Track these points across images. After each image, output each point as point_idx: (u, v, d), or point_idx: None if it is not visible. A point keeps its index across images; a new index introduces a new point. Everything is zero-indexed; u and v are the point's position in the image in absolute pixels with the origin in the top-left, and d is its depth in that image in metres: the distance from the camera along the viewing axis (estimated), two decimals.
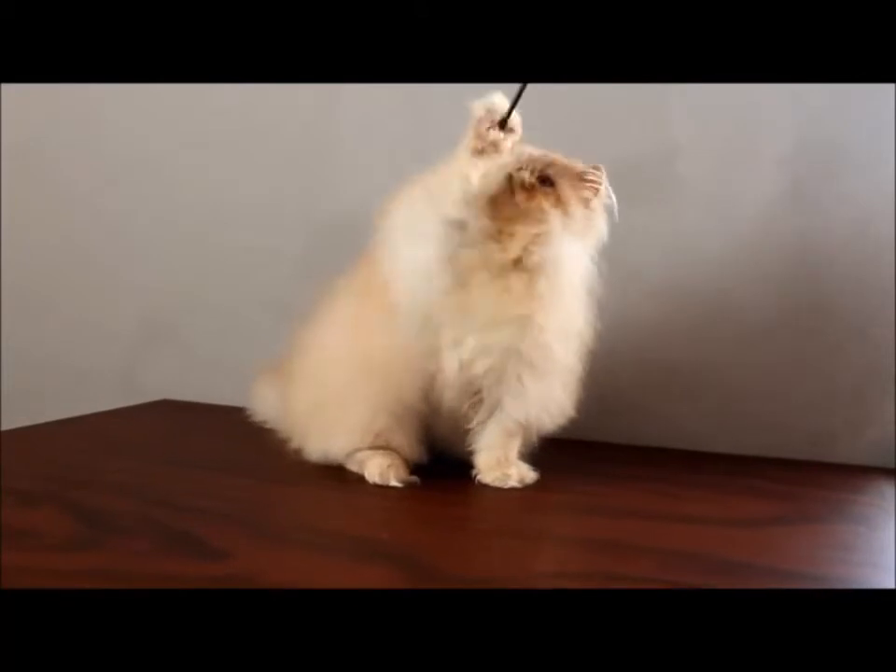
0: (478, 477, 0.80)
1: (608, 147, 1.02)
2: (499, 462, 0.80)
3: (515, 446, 0.82)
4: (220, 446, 0.96)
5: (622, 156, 1.03)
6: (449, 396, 0.79)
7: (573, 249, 0.80)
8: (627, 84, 1.01)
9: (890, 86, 0.96)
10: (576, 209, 0.80)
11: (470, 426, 0.81)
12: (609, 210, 0.83)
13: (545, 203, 0.78)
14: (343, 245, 0.82)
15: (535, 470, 0.82)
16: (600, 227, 0.83)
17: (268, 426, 0.99)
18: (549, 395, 0.81)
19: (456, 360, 0.77)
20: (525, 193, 0.78)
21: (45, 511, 0.69)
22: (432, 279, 0.77)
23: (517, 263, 0.77)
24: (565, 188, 0.80)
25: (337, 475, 0.81)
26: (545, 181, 0.80)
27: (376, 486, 0.78)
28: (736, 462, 0.96)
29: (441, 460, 0.83)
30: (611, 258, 0.94)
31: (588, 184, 0.82)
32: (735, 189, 1.01)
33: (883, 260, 0.97)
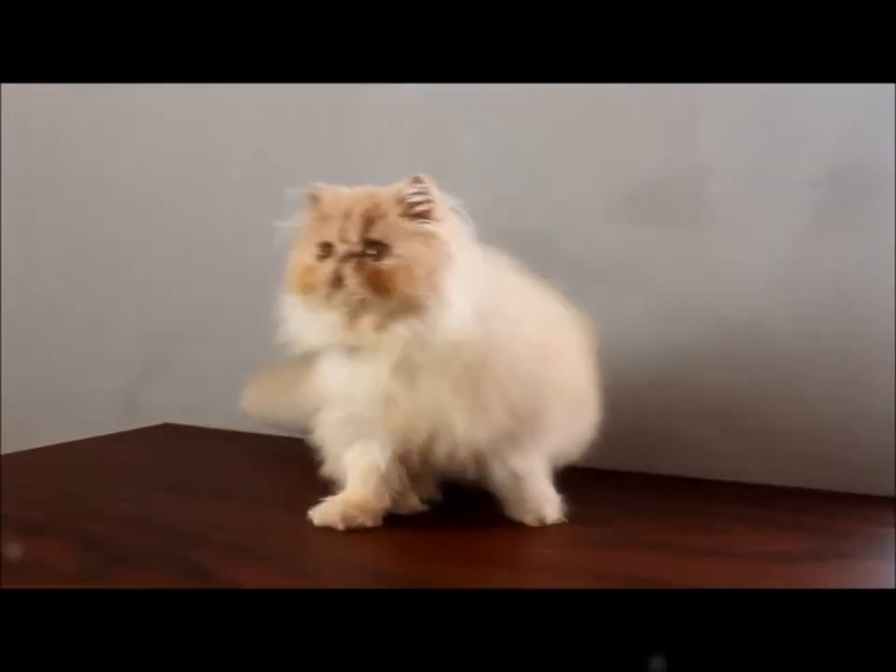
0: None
1: (636, 166, 0.98)
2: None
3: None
4: (222, 472, 0.94)
5: (651, 176, 0.98)
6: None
7: (454, 301, 0.65)
8: (654, 99, 0.96)
9: None
10: (421, 259, 0.65)
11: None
12: (456, 209, 0.69)
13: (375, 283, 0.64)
14: None
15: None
16: (458, 240, 0.68)
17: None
18: (547, 443, 0.73)
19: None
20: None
21: (48, 541, 0.66)
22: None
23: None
24: (399, 244, 0.65)
25: None
26: (373, 251, 0.65)
27: (390, 517, 0.72)
28: (771, 493, 0.89)
29: (459, 490, 0.77)
30: (642, 282, 0.93)
31: (419, 207, 0.67)
32: (768, 212, 0.94)
33: None
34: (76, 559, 0.63)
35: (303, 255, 0.67)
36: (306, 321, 0.68)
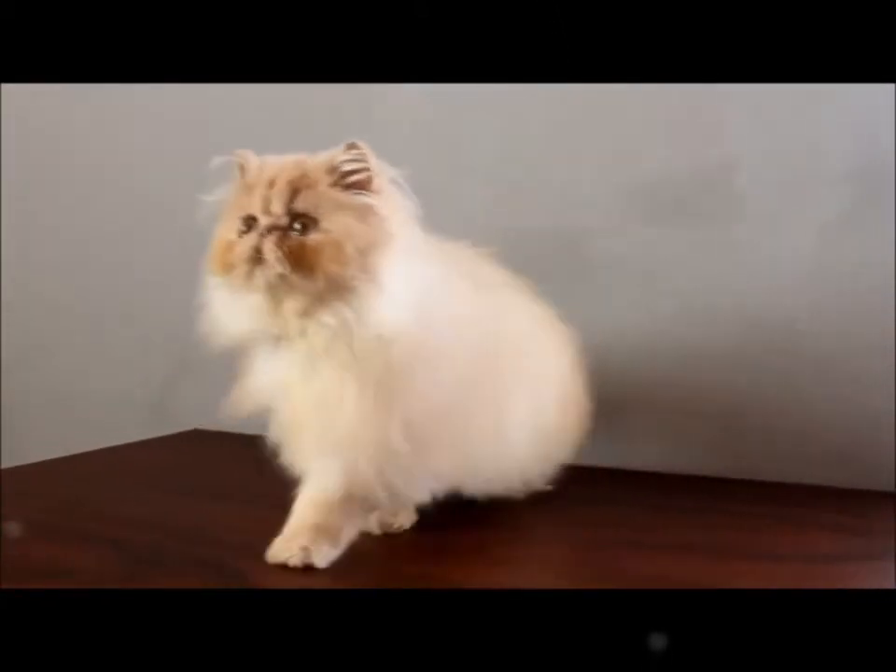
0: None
1: (660, 160, 0.96)
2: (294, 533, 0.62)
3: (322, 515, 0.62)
4: (254, 477, 0.92)
5: (675, 170, 0.96)
6: None
7: (394, 288, 0.58)
8: (677, 94, 0.94)
9: None
10: (356, 236, 0.57)
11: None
12: (398, 182, 0.61)
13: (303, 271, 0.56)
14: None
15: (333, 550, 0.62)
16: (399, 217, 0.60)
17: None
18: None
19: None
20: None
21: (82, 547, 0.67)
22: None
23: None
24: (330, 219, 0.58)
25: None
26: (298, 226, 0.57)
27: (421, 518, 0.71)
28: (806, 493, 0.86)
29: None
30: (663, 279, 0.91)
31: (353, 177, 0.59)
32: (797, 208, 0.91)
33: None
34: (110, 565, 0.63)
35: (226, 230, 0.60)
36: (227, 305, 0.61)
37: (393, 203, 0.59)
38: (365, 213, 0.58)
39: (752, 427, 0.94)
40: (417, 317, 0.58)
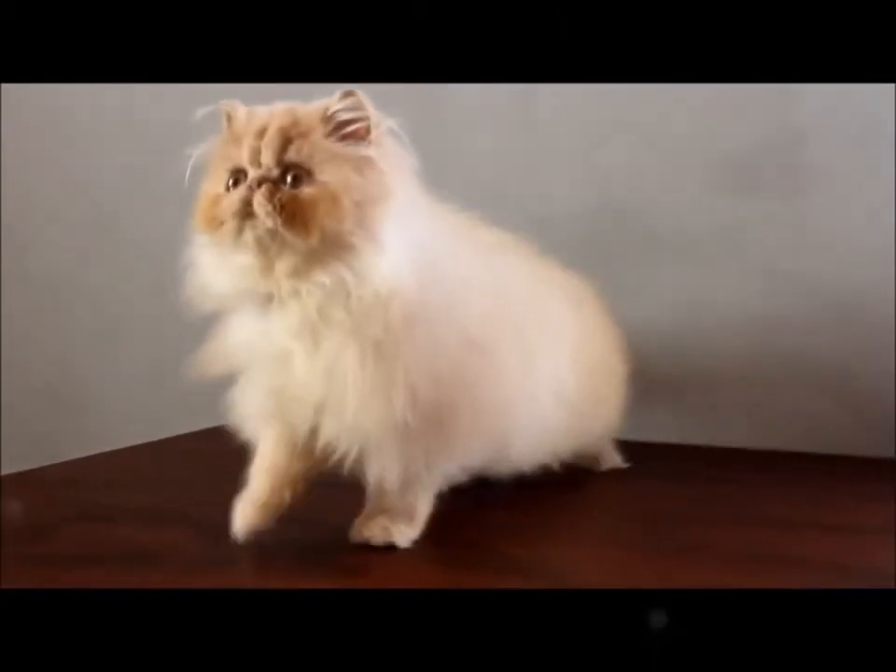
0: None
1: (730, 131, 0.95)
2: (371, 510, 0.62)
3: (397, 497, 0.61)
4: None
5: (746, 141, 0.94)
6: None
7: (392, 249, 0.54)
8: None
9: None
10: (352, 191, 0.53)
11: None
12: (394, 134, 0.57)
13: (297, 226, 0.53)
14: None
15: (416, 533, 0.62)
16: (399, 171, 0.56)
17: None
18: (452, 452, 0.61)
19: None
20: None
21: (171, 530, 0.67)
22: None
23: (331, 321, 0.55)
24: (327, 171, 0.54)
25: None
26: (290, 178, 0.54)
27: (484, 497, 0.70)
28: (880, 466, 0.83)
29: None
30: (737, 249, 0.91)
31: (350, 126, 0.55)
32: (869, 175, 0.90)
33: None
34: (199, 546, 0.63)
35: (213, 183, 0.57)
36: (214, 264, 0.57)
37: (392, 156, 0.56)
38: (362, 165, 0.55)
39: (839, 400, 0.92)
40: (418, 277, 0.55)
